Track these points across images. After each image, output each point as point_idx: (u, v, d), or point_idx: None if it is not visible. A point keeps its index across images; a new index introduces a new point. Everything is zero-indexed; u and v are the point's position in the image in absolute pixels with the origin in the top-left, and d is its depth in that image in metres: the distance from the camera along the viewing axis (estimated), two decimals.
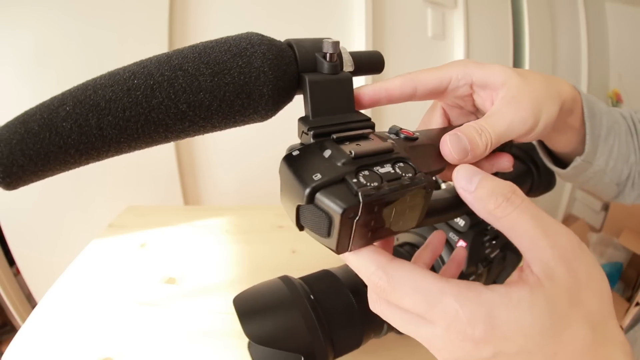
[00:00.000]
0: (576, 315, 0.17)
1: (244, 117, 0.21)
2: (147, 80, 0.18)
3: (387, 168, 0.18)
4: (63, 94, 0.18)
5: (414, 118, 0.32)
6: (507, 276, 0.40)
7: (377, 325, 0.31)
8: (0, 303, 0.99)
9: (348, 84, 0.22)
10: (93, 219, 0.87)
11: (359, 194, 0.17)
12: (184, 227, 0.63)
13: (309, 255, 0.55)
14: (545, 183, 0.40)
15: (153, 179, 0.94)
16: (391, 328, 0.32)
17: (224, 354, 0.37)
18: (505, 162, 0.27)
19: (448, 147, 0.22)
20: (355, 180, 0.17)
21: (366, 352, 0.36)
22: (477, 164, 0.26)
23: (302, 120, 0.21)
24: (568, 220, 1.93)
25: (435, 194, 0.34)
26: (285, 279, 0.30)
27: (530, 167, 0.39)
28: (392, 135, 0.22)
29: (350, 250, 0.19)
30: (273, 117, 0.22)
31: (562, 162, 0.37)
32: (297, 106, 0.23)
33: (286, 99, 0.22)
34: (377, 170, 0.18)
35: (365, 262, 0.20)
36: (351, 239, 0.18)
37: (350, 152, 0.18)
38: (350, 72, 0.23)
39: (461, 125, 0.23)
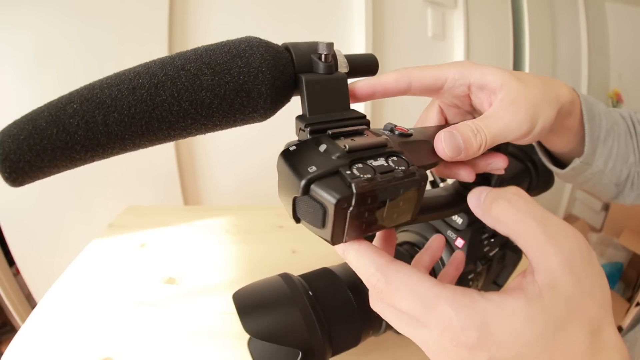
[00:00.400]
0: (574, 321, 0.17)
1: (243, 116, 0.21)
2: (152, 80, 0.19)
3: (381, 161, 0.19)
4: (70, 93, 0.19)
5: (414, 117, 0.32)
6: (508, 275, 0.40)
7: (375, 324, 0.31)
8: (0, 303, 1.00)
9: (343, 84, 0.23)
10: (93, 219, 0.87)
11: (352, 185, 0.17)
12: (184, 227, 0.63)
13: (308, 256, 0.55)
14: (543, 182, 0.40)
15: (153, 179, 0.94)
16: (390, 327, 0.32)
17: (224, 354, 0.37)
18: (500, 163, 0.27)
19: (442, 144, 0.23)
20: (348, 172, 0.18)
21: (365, 352, 0.36)
22: (471, 162, 0.26)
23: (299, 118, 0.22)
24: (568, 220, 1.93)
25: (433, 191, 0.34)
26: (285, 276, 0.30)
27: (529, 166, 0.39)
28: (386, 132, 0.23)
29: (345, 242, 0.19)
30: (272, 118, 0.23)
31: (561, 162, 0.37)
32: (296, 108, 0.24)
33: (284, 98, 0.23)
34: (371, 163, 0.19)
35: (365, 263, 0.20)
36: (345, 229, 0.18)
37: (345, 146, 0.19)
38: (345, 73, 0.24)
39: (456, 124, 0.24)
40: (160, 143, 0.21)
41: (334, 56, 0.23)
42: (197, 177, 1.00)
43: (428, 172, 0.21)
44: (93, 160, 0.20)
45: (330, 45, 0.22)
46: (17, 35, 0.77)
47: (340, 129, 0.21)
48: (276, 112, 0.23)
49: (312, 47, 0.23)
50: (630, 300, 1.47)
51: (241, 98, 0.20)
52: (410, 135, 0.23)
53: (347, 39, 1.08)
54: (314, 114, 0.22)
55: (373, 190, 0.18)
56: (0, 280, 0.94)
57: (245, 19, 0.96)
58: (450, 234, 0.35)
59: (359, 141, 0.20)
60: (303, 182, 0.18)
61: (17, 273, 0.97)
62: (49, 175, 0.19)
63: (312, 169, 0.18)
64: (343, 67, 0.24)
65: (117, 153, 0.20)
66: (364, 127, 0.22)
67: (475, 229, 0.34)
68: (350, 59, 0.24)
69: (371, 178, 0.18)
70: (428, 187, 0.38)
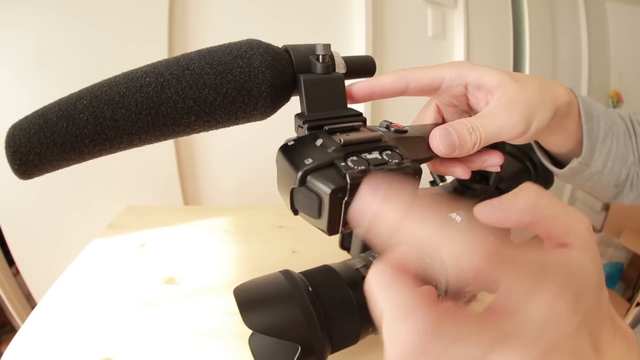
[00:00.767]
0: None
1: (244, 114, 0.22)
2: (158, 78, 0.20)
3: (375, 154, 0.20)
4: (80, 91, 0.20)
5: (414, 116, 0.32)
6: None
7: (375, 321, 0.31)
8: (0, 303, 1.00)
9: (340, 83, 0.24)
10: (93, 219, 0.87)
11: (347, 175, 0.18)
12: (184, 227, 0.63)
13: (308, 256, 0.55)
14: (543, 182, 0.40)
15: (153, 179, 0.94)
16: None
17: (224, 354, 0.37)
18: (495, 160, 0.27)
19: (437, 140, 0.23)
20: (343, 164, 0.19)
21: (366, 350, 0.36)
22: (466, 159, 0.27)
23: (298, 115, 0.23)
24: None
25: (432, 189, 0.34)
26: (285, 272, 0.30)
27: (528, 165, 0.39)
28: (382, 129, 0.24)
29: (341, 232, 0.20)
30: (272, 119, 0.24)
31: (560, 162, 0.37)
32: (296, 109, 0.24)
33: (283, 97, 0.23)
34: (365, 156, 0.20)
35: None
36: (341, 220, 0.19)
37: (340, 140, 0.20)
38: (342, 73, 0.25)
39: (452, 121, 0.24)
40: (165, 139, 0.22)
41: (332, 57, 0.24)
42: (197, 177, 1.00)
43: (428, 171, 0.21)
44: (101, 155, 0.21)
45: (327, 47, 0.23)
46: (17, 36, 0.77)
47: (336, 125, 0.22)
48: (276, 111, 0.23)
49: (311, 48, 0.24)
50: (630, 300, 1.47)
51: (242, 96, 0.21)
52: (406, 131, 0.24)
53: (347, 39, 1.08)
54: (312, 112, 0.23)
55: None
56: (0, 280, 0.94)
57: (245, 19, 0.96)
58: None
59: (354, 136, 0.21)
60: (300, 174, 0.19)
61: (17, 273, 0.97)
62: (57, 168, 0.20)
63: (309, 161, 0.19)
64: (341, 68, 0.24)
65: (124, 148, 0.21)
66: (360, 123, 0.23)
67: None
68: (348, 60, 0.25)
69: (365, 169, 0.19)
70: (428, 186, 0.38)
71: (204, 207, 0.91)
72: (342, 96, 0.24)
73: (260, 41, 0.23)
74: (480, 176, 0.33)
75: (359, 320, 0.30)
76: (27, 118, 0.19)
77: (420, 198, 0.16)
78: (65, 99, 0.20)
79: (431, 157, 0.24)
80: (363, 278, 0.31)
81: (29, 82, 0.79)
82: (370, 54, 1.07)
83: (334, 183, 0.18)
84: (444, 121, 0.30)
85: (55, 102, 0.20)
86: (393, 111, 1.17)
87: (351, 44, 1.09)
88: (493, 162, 0.27)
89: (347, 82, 0.25)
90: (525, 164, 0.39)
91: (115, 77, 0.21)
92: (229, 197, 1.04)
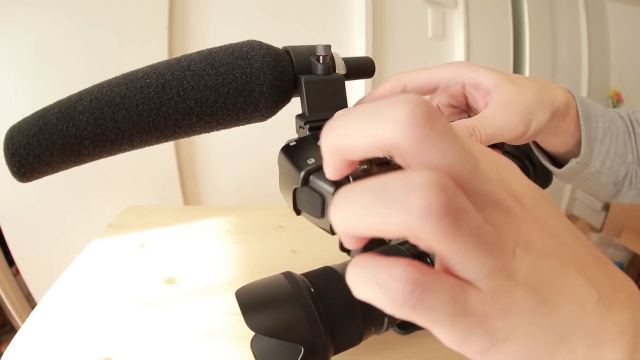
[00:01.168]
0: None
1: (246, 115, 0.22)
2: (159, 79, 0.20)
3: None
4: (80, 92, 0.20)
5: None
6: None
7: (377, 321, 0.31)
8: (0, 303, 1.00)
9: (340, 84, 0.24)
10: (93, 219, 0.87)
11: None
12: (184, 227, 0.63)
13: (309, 256, 0.55)
14: (541, 180, 0.40)
15: (153, 179, 0.94)
16: (392, 324, 0.32)
17: (224, 354, 0.37)
18: None
19: None
20: None
21: (367, 352, 0.36)
22: None
23: (299, 116, 0.23)
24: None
25: None
26: (287, 274, 0.30)
27: (527, 164, 0.39)
28: None
29: None
30: (273, 119, 0.24)
31: (559, 161, 0.37)
32: (296, 110, 0.24)
33: (284, 98, 0.23)
34: None
35: None
36: None
37: None
38: (342, 74, 0.25)
39: (452, 122, 0.25)
40: (166, 141, 0.22)
41: (332, 58, 0.24)
42: (197, 177, 1.00)
43: None
44: (101, 157, 0.20)
45: (327, 48, 0.23)
46: (17, 36, 0.77)
47: None
48: (277, 111, 0.24)
49: (311, 49, 0.24)
50: None
51: (244, 97, 0.21)
52: None
53: (347, 39, 1.08)
54: (313, 112, 0.23)
55: None
56: (0, 280, 0.94)
57: (245, 19, 0.96)
58: None
59: None
60: (302, 174, 0.19)
61: (17, 273, 0.97)
62: (57, 171, 0.20)
63: (311, 161, 0.19)
64: (341, 69, 0.25)
65: (124, 150, 0.21)
66: None
67: None
68: (348, 61, 0.26)
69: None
70: None
71: (204, 207, 0.90)
72: (343, 97, 0.24)
73: (261, 42, 0.23)
74: None
75: (361, 321, 0.30)
76: (26, 120, 0.19)
77: None
78: (65, 101, 0.19)
79: None
80: None
81: (29, 82, 0.79)
82: (370, 54, 1.07)
83: (337, 183, 0.18)
84: None
85: (54, 103, 0.19)
86: None
87: (351, 43, 1.09)
88: None
89: (347, 83, 0.26)
90: (525, 163, 0.40)
91: (116, 78, 0.20)
92: (229, 197, 1.04)
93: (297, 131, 0.23)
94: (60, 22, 0.79)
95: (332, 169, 0.14)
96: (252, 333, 0.32)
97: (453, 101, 0.30)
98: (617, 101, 1.84)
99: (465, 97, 0.29)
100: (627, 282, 0.16)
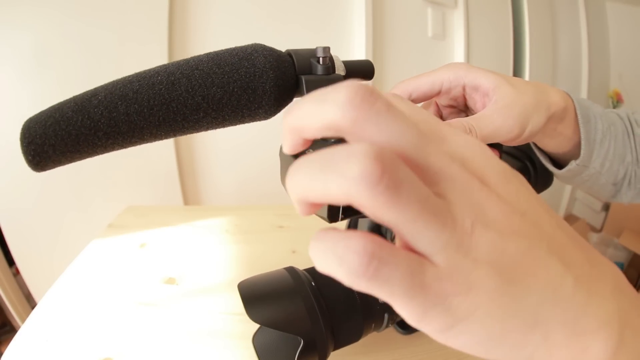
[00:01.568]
0: None
1: (250, 112, 0.24)
2: (169, 77, 0.22)
3: None
4: (95, 88, 0.21)
5: None
6: None
7: (377, 318, 0.31)
8: (0, 303, 0.99)
9: None
10: (93, 219, 0.87)
11: None
12: (184, 227, 0.63)
13: (309, 256, 0.55)
14: (542, 181, 0.40)
15: (153, 179, 0.94)
16: (392, 321, 0.32)
17: (224, 354, 0.37)
18: None
19: None
20: None
21: (367, 350, 0.36)
22: None
23: None
24: (569, 220, 1.93)
25: None
26: (290, 269, 0.31)
27: (527, 164, 0.40)
28: None
29: (341, 220, 0.21)
30: (273, 119, 0.25)
31: (559, 162, 0.37)
32: None
33: (286, 97, 0.25)
34: None
35: None
36: (340, 207, 0.20)
37: None
38: (342, 75, 0.26)
39: (451, 120, 0.26)
40: (174, 135, 0.23)
41: (331, 59, 0.25)
42: (197, 177, 1.00)
43: None
44: (113, 149, 0.22)
45: (327, 49, 0.25)
46: (17, 36, 0.77)
47: None
48: (279, 110, 0.25)
49: (311, 52, 0.26)
50: None
51: (248, 95, 0.23)
52: None
53: (347, 39, 1.08)
54: None
55: None
56: (0, 280, 0.94)
57: (245, 19, 0.96)
58: None
59: None
60: None
61: (17, 273, 0.97)
62: (70, 161, 0.21)
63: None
64: (340, 71, 0.26)
65: (135, 143, 0.22)
66: None
67: None
68: (347, 63, 0.27)
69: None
70: None
71: (204, 207, 0.90)
72: None
73: (265, 45, 0.24)
74: None
75: (361, 317, 0.30)
76: (42, 112, 0.20)
77: None
78: (81, 95, 0.21)
79: None
80: None
81: (29, 82, 0.79)
82: (370, 54, 1.07)
83: None
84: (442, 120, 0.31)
85: (70, 98, 0.21)
86: None
87: (351, 44, 1.09)
88: None
89: None
90: (525, 163, 0.40)
91: (129, 76, 0.22)
92: (229, 197, 1.04)
93: None
94: (60, 22, 0.79)
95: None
96: (252, 333, 0.32)
97: (453, 102, 0.30)
98: (617, 101, 1.84)
99: (464, 98, 0.29)
100: (614, 271, 0.15)
